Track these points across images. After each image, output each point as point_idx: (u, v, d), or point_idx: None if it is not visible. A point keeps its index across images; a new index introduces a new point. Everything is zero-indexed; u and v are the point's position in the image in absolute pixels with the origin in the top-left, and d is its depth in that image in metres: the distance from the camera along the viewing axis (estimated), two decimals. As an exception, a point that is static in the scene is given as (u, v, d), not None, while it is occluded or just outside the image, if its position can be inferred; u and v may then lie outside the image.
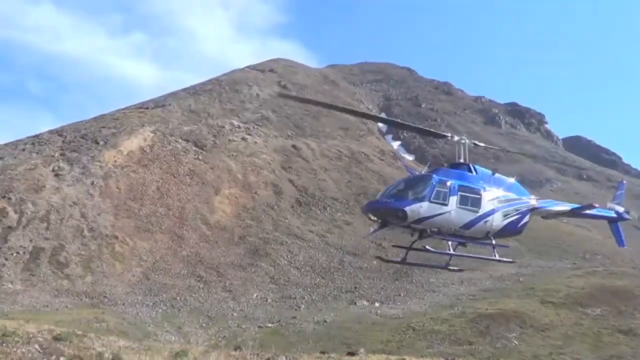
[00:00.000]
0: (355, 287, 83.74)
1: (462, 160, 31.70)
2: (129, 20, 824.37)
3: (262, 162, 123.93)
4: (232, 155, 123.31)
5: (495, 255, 31.62)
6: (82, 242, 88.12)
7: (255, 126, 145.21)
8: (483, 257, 34.59)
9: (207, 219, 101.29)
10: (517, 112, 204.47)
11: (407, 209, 27.92)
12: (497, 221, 30.31)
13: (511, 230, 31.53)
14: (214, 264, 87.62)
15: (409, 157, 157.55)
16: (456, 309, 71.10)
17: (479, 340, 60.64)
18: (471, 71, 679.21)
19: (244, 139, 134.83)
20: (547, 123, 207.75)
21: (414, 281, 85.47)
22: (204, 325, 70.70)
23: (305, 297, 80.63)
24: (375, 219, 29.43)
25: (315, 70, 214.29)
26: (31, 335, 23.79)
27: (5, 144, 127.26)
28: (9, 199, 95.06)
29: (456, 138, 32.15)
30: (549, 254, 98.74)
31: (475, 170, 31.06)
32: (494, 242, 30.81)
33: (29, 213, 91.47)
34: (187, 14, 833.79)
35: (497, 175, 31.94)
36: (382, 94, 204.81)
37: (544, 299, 71.93)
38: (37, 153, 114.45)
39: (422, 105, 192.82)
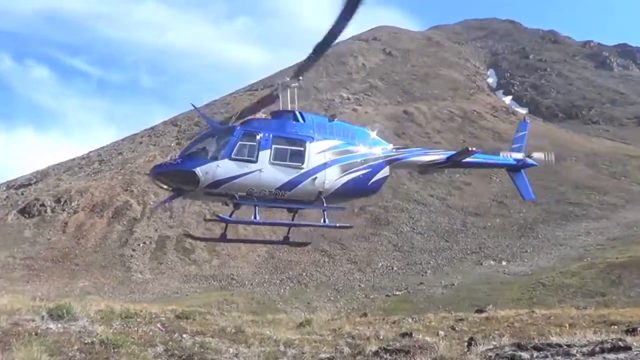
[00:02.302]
0: (480, 248, 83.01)
1: (288, 108, 25.23)
2: (232, 6, 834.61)
3: (375, 130, 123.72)
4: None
5: (325, 221, 24.91)
6: (206, 227, 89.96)
7: (365, 96, 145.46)
8: (308, 223, 29.68)
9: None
10: (628, 52, 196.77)
11: (197, 170, 22.06)
12: (333, 178, 24.29)
13: (358, 188, 25.59)
14: (337, 237, 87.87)
15: (522, 111, 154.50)
16: (585, 260, 69.78)
17: (611, 290, 59.14)
18: (576, 16, 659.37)
19: (354, 109, 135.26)
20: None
21: (540, 236, 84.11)
22: (332, 298, 71.32)
23: (431, 262, 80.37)
24: (165, 186, 23.49)
25: (418, 33, 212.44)
26: (154, 316, 24.38)
27: (123, 139, 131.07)
28: (132, 191, 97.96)
29: (279, 81, 25.30)
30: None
31: (303, 118, 24.75)
32: (325, 204, 24.52)
33: (151, 204, 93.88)
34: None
35: (336, 121, 25.78)
36: (487, 50, 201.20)
37: (677, 243, 70.03)
38: (154, 145, 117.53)
39: (530, 57, 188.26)
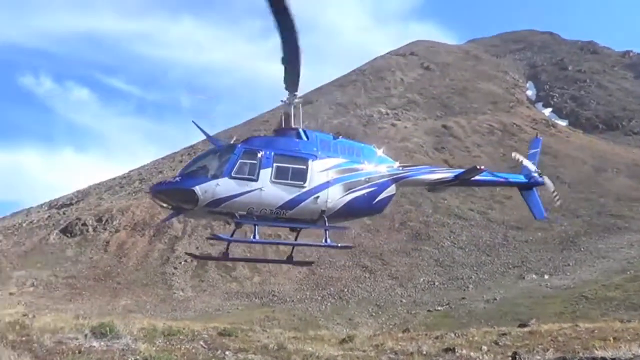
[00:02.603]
0: (522, 262, 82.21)
1: (292, 125, 24.39)
2: (267, 24, 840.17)
3: (414, 145, 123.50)
4: (384, 142, 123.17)
5: (327, 240, 23.88)
6: (247, 245, 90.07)
7: (403, 111, 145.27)
8: (308, 243, 27.50)
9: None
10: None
11: (196, 188, 21.56)
12: (336, 196, 23.55)
13: (362, 207, 24.74)
14: (378, 253, 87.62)
15: (562, 123, 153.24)
16: (628, 273, 68.92)
17: (655, 303, 58.55)
18: (615, 25, 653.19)
19: (393, 124, 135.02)
20: None
21: (582, 249, 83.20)
22: (373, 314, 71.06)
23: (472, 277, 79.78)
24: (165, 204, 22.84)
25: (456, 47, 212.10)
26: (196, 333, 24.50)
27: (163, 158, 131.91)
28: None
29: (283, 98, 24.00)
30: None
31: (307, 136, 24.10)
32: (327, 224, 23.58)
33: (192, 221, 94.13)
34: (324, 10, 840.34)
35: (340, 139, 24.96)
36: (526, 62, 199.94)
37: None
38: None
39: (569, 68, 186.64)
